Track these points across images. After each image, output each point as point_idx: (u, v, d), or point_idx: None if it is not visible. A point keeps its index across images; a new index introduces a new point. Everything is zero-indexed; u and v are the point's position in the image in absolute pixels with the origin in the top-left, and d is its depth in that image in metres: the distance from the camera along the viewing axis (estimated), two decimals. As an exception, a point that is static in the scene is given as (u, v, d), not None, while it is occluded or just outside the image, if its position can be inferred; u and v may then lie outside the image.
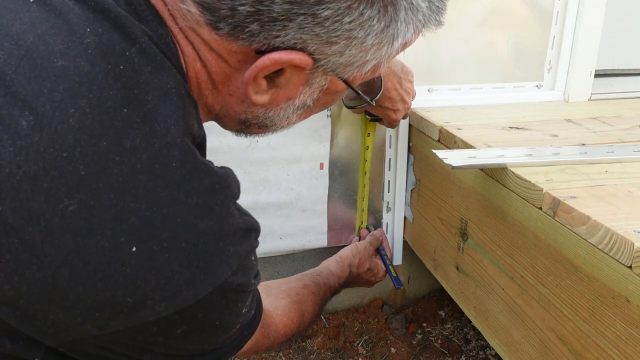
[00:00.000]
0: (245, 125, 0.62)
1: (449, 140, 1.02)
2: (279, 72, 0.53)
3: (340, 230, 1.27)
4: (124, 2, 0.50)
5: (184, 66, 0.54)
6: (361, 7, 0.48)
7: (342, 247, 1.28)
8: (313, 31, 0.49)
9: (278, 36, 0.49)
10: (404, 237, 1.30)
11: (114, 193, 0.45)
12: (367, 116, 1.14)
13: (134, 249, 0.45)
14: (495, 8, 1.18)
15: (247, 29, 0.49)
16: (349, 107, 1.09)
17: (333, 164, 1.21)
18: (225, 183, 0.53)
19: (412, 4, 0.51)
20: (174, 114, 0.49)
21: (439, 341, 1.35)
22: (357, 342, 1.33)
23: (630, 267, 0.60)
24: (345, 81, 0.57)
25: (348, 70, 0.55)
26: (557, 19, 1.22)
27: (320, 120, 1.16)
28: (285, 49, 0.50)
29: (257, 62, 0.51)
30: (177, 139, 0.49)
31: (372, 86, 0.97)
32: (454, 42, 1.19)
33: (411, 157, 1.21)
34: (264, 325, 0.72)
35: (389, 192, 1.26)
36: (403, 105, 1.05)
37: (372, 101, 0.94)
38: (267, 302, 0.76)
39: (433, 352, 1.32)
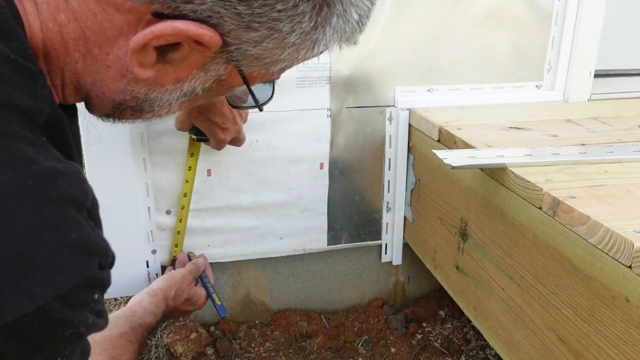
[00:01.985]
0: (120, 109, 0.52)
1: (448, 140, 1.02)
2: (175, 46, 0.44)
3: (340, 230, 1.27)
4: None
5: (24, 20, 0.42)
6: None
7: (342, 247, 1.28)
8: (236, 9, 0.41)
9: (192, 1, 0.41)
10: (404, 237, 1.30)
11: None
12: (192, 136, 1.06)
13: None
14: (495, 8, 1.18)
15: None
16: (233, 107, 0.92)
17: (333, 164, 1.21)
18: (50, 180, 0.38)
19: (345, 12, 0.46)
20: None
21: (439, 341, 1.35)
22: (357, 342, 1.33)
23: (630, 267, 0.60)
24: (244, 77, 0.49)
25: (254, 64, 0.47)
26: (557, 19, 1.22)
27: (320, 120, 1.17)
28: (195, 19, 0.42)
29: (154, 26, 0.42)
30: None
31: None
32: (454, 42, 1.19)
33: (411, 157, 1.21)
34: None
35: (389, 192, 1.26)
36: (233, 126, 0.97)
37: (262, 107, 0.72)
38: None
39: (433, 352, 1.32)
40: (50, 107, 0.42)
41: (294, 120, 1.15)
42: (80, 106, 0.55)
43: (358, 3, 0.47)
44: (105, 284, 0.43)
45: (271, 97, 0.81)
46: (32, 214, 0.36)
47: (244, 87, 0.52)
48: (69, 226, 0.38)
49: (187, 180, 1.13)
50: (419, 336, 1.36)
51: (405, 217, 1.27)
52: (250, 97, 0.58)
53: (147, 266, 1.16)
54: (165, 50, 0.45)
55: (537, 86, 1.28)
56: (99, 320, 0.43)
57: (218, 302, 1.06)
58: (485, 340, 1.31)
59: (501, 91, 1.26)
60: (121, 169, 1.07)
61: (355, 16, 0.47)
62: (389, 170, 1.24)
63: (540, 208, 0.75)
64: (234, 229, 1.19)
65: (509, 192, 0.82)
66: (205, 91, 0.51)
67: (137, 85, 0.47)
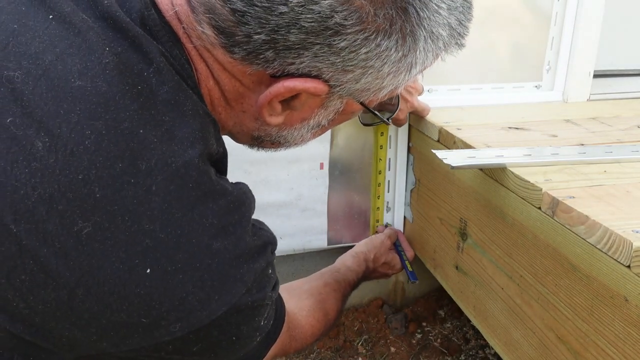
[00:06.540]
0: (258, 141, 0.64)
1: (448, 141, 1.02)
2: (295, 95, 0.53)
3: (340, 230, 1.27)
4: (138, 21, 0.49)
5: (198, 85, 0.54)
6: (379, 39, 0.48)
7: (342, 247, 1.28)
8: (328, 60, 0.49)
9: (293, 63, 0.49)
10: (403, 237, 1.30)
11: (128, 215, 0.45)
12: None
13: (148, 270, 0.45)
14: (495, 8, 1.19)
15: (261, 56, 0.49)
16: (365, 125, 1.08)
17: (333, 164, 1.21)
18: (239, 202, 0.54)
19: (432, 32, 0.51)
20: (191, 135, 0.49)
21: (439, 340, 1.35)
22: (357, 341, 1.33)
23: (628, 266, 0.61)
24: (362, 103, 0.57)
25: (364, 94, 0.55)
26: (556, 19, 1.22)
27: (320, 121, 1.17)
28: (300, 76, 0.51)
29: (271, 88, 0.52)
30: (194, 159, 0.48)
31: (388, 104, 0.98)
32: (454, 43, 1.19)
33: (411, 157, 1.21)
34: (290, 328, 0.72)
35: (388, 192, 1.26)
36: (404, 104, 1.05)
37: (389, 120, 0.90)
38: (291, 304, 0.76)
39: (432, 352, 1.32)
40: (223, 147, 0.57)
41: (294, 120, 1.15)
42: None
43: (443, 20, 0.51)
44: (273, 260, 0.58)
45: (396, 109, 0.96)
46: (236, 226, 0.52)
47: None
48: (250, 231, 0.54)
49: (380, 159, 1.21)
50: (419, 336, 1.37)
51: (405, 217, 1.27)
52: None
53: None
54: (288, 100, 0.54)
55: (536, 86, 1.28)
56: (275, 291, 0.59)
57: (410, 269, 1.16)
58: (484, 340, 1.31)
59: (501, 91, 1.26)
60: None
61: (444, 33, 0.52)
62: (389, 170, 1.24)
63: (539, 208, 0.75)
64: (234, 229, 1.19)
65: (508, 192, 0.83)
66: (330, 121, 0.61)
67: (268, 126, 0.58)
